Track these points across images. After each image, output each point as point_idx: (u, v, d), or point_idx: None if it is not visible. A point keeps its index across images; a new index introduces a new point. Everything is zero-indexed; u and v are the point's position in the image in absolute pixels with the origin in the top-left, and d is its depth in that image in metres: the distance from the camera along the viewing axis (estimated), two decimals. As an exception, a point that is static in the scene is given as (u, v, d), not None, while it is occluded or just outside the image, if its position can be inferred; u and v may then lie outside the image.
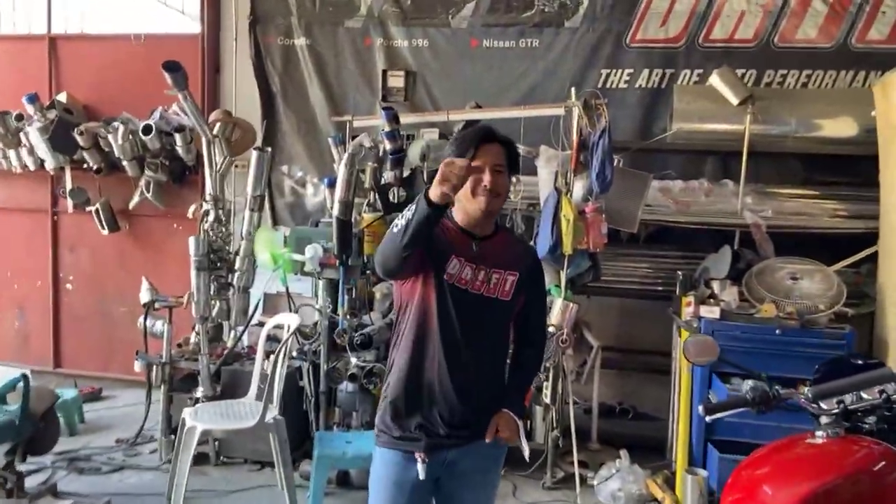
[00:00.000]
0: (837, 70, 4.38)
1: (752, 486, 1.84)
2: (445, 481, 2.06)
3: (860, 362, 2.76)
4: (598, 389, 4.15)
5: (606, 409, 4.47)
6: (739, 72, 4.32)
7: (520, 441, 2.05)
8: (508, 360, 2.13)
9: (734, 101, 3.98)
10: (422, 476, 1.97)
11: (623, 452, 3.75)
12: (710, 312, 3.56)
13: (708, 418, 2.11)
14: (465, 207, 1.98)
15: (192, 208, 4.57)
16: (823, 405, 1.95)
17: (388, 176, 4.16)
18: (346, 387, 3.96)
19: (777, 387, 2.04)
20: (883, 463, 1.73)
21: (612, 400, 4.61)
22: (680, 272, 3.91)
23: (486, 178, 1.92)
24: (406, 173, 4.12)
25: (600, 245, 3.56)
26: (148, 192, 5.08)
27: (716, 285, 3.73)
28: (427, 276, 1.94)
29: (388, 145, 4.03)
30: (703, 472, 3.32)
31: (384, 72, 4.94)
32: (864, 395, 1.98)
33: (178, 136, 4.76)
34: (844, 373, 2.18)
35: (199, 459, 3.87)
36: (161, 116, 4.88)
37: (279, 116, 5.17)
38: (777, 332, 3.47)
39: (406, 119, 4.23)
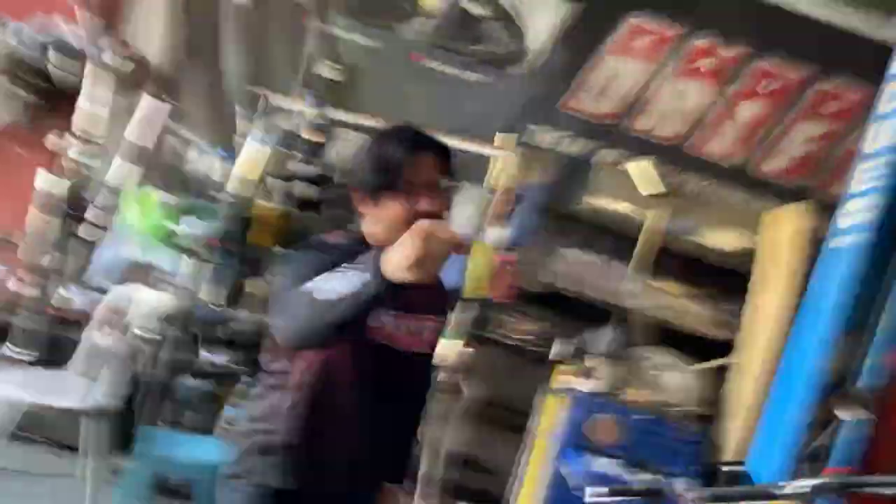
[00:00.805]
0: (735, 189, 4.72)
1: None
2: None
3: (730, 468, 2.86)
4: (451, 437, 4.04)
5: (455, 457, 4.35)
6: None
7: None
8: None
9: (644, 193, 4.14)
10: None
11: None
12: (583, 385, 3.60)
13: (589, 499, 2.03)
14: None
15: (52, 138, 3.90)
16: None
17: (296, 167, 3.81)
18: (190, 382, 3.52)
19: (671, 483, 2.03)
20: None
21: (463, 447, 4.51)
22: (557, 339, 3.95)
23: (424, 203, 1.46)
24: (316, 172, 3.80)
25: (507, 296, 3.49)
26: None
27: (592, 362, 3.79)
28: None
29: (307, 136, 3.70)
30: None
31: (312, 56, 4.59)
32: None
33: (54, 54, 4.06)
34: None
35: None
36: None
37: (183, 66, 4.60)
38: (635, 417, 3.58)
39: (333, 114, 3.92)
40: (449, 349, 3.47)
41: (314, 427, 1.52)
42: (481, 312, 3.66)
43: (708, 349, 4.23)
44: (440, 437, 4.07)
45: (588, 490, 1.99)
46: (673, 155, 4.69)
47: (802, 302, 3.11)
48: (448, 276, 3.43)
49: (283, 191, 3.82)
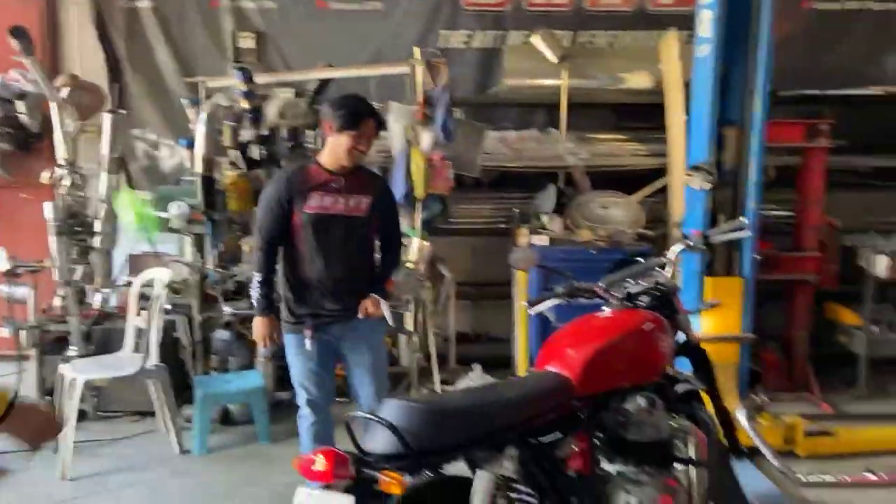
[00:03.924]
0: (636, 30, 5.13)
1: (558, 350, 2.28)
2: (344, 348, 2.90)
3: (641, 260, 3.47)
4: (455, 319, 4.71)
5: (462, 335, 5.04)
6: (559, 33, 4.93)
7: (384, 313, 2.88)
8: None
9: (553, 59, 4.58)
10: (308, 347, 2.81)
11: (475, 365, 4.34)
12: (541, 240, 4.20)
13: (531, 311, 2.65)
14: (339, 159, 2.75)
15: (45, 174, 4.51)
16: (615, 293, 2.54)
17: (246, 135, 4.36)
18: (221, 335, 4.21)
19: (579, 282, 2.62)
20: (650, 324, 2.35)
21: (467, 327, 5.19)
22: (516, 209, 4.53)
23: (363, 148, 2.74)
24: (265, 132, 4.34)
25: (447, 189, 4.06)
26: (-9, 162, 4.91)
27: (544, 218, 4.37)
28: (295, 217, 2.77)
29: (245, 105, 4.23)
30: (540, 373, 3.96)
31: (233, 33, 5.07)
32: (642, 283, 2.61)
33: (19, 104, 4.65)
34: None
35: (78, 415, 3.94)
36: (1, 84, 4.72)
37: (127, 80, 5.15)
38: (592, 251, 4.18)
39: (261, 79, 4.44)
40: (415, 246, 4.08)
41: (299, 259, 2.82)
42: (438, 209, 4.23)
43: (651, 180, 4.77)
44: (443, 321, 4.74)
45: (526, 303, 2.60)
46: (574, 18, 5.11)
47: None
48: (396, 186, 4.01)
49: (245, 157, 4.39)
